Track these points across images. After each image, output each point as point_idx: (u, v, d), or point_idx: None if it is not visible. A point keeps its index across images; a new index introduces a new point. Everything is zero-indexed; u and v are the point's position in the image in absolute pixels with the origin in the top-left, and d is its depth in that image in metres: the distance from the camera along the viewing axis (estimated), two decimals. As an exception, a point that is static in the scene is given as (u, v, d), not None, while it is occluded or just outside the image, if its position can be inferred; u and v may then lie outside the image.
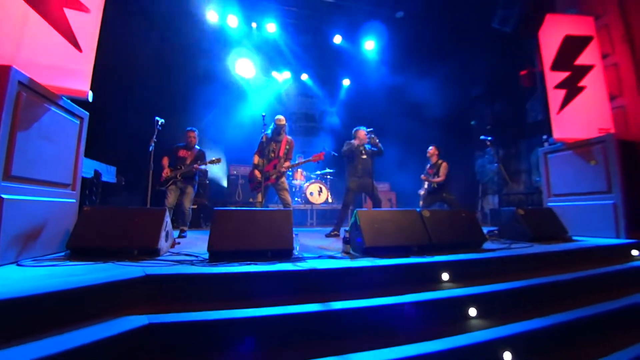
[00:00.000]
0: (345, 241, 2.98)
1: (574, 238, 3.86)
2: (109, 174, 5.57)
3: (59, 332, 1.49)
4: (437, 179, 5.38)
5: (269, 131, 4.40)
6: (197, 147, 4.70)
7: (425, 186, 5.59)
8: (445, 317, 2.15)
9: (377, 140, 4.57)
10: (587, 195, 4.14)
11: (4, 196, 2.11)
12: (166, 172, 4.40)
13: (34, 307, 1.48)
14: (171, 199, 4.29)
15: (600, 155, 4.00)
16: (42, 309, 1.51)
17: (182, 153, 4.57)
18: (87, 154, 3.21)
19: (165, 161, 4.51)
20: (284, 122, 4.49)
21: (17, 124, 2.22)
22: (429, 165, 5.69)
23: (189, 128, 4.67)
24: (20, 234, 2.29)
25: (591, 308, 2.42)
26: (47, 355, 1.30)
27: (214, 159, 4.53)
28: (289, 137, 4.60)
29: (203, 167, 4.51)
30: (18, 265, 2.17)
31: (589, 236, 3.98)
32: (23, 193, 2.31)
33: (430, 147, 5.71)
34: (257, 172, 4.36)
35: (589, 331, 2.29)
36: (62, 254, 2.66)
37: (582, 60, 4.43)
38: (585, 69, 4.41)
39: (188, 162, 4.52)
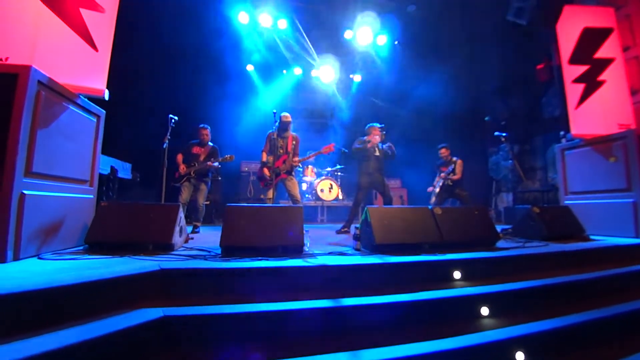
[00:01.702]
0: (356, 238, 2.98)
1: (592, 237, 3.76)
2: (124, 170, 5.70)
3: (78, 323, 1.54)
4: (454, 177, 5.46)
5: (274, 128, 4.42)
6: (210, 143, 4.76)
7: (441, 184, 5.58)
8: (456, 316, 2.13)
9: (390, 143, 4.60)
10: (606, 193, 4.02)
11: (25, 192, 2.19)
12: (182, 169, 4.47)
13: (54, 298, 1.54)
14: (185, 195, 4.36)
15: (620, 152, 3.88)
16: (63, 300, 1.57)
17: (195, 150, 4.63)
18: (104, 151, 3.29)
19: (180, 158, 4.58)
20: (290, 119, 4.53)
21: (37, 122, 2.29)
22: (441, 164, 5.73)
23: (201, 125, 4.72)
24: (41, 229, 2.38)
25: (608, 309, 2.36)
26: (67, 345, 1.35)
27: (227, 156, 4.58)
28: (294, 134, 4.64)
29: (216, 164, 4.56)
30: (39, 258, 2.26)
31: (607, 235, 3.87)
32: (43, 189, 2.39)
33: (442, 149, 5.79)
34: (266, 170, 4.39)
35: (605, 333, 2.24)
36: (81, 248, 2.75)
37: (601, 53, 4.28)
38: (605, 63, 4.25)
39: (202, 158, 4.58)
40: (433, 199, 5.65)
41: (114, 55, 3.09)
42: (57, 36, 2.67)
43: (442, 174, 5.58)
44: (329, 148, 4.64)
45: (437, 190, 5.61)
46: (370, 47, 8.43)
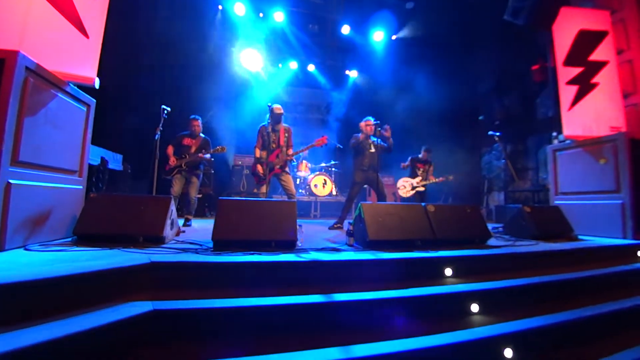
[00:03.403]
0: (349, 234, 2.99)
1: (580, 237, 3.82)
2: (115, 161, 5.60)
3: (66, 316, 1.51)
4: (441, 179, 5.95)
5: (266, 122, 4.36)
6: (201, 134, 4.68)
7: (418, 182, 5.92)
8: (447, 312, 2.15)
9: (389, 134, 4.61)
10: (595, 195, 4.08)
11: (11, 181, 2.14)
12: (172, 161, 4.40)
13: (41, 291, 1.51)
14: (177, 187, 4.30)
15: (611, 154, 3.93)
16: (49, 293, 1.53)
17: (186, 141, 4.55)
18: (94, 142, 3.22)
19: (170, 150, 4.51)
20: (282, 110, 4.44)
21: (24, 110, 2.22)
22: (419, 160, 6.07)
23: (192, 116, 4.62)
24: (28, 219, 2.32)
25: (595, 308, 2.41)
26: (54, 338, 1.32)
27: (218, 148, 4.52)
28: (286, 125, 4.56)
29: (208, 156, 4.51)
30: (26, 249, 2.21)
31: (595, 236, 3.93)
32: (30, 178, 2.33)
33: (430, 151, 6.10)
34: (259, 167, 4.34)
35: (592, 331, 2.28)
36: (69, 239, 2.69)
37: (596, 55, 4.31)
38: (599, 65, 4.30)
39: (193, 150, 4.51)
40: (411, 193, 5.83)
41: (105, 44, 3.01)
42: (47, 21, 2.58)
43: (441, 178, 5.93)
44: (321, 141, 4.60)
45: (422, 189, 5.81)
46: (367, 43, 8.41)
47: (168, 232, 2.75)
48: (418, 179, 5.95)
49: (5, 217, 2.11)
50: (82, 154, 3.00)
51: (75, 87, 2.84)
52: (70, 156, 2.86)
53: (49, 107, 2.49)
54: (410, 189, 5.94)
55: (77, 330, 1.40)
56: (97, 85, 2.93)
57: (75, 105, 2.85)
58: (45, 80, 2.44)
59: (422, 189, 5.89)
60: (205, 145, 4.61)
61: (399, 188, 6.07)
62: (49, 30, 2.59)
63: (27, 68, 2.24)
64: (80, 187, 3.00)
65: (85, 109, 3.01)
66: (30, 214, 2.35)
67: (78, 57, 2.78)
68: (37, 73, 2.35)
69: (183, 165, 4.40)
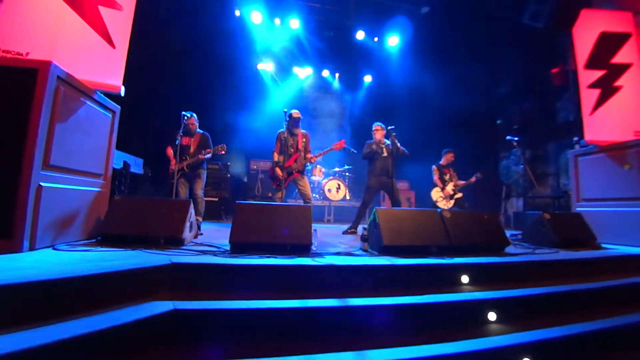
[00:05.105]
0: (364, 239, 2.99)
1: (603, 245, 3.70)
2: (136, 165, 5.78)
3: (92, 313, 1.58)
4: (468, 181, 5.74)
5: (284, 128, 4.41)
6: (199, 130, 4.45)
7: (452, 188, 5.69)
8: (463, 320, 2.13)
9: (397, 141, 4.55)
10: (619, 201, 3.94)
11: (42, 184, 2.25)
12: (173, 165, 4.17)
13: (69, 288, 1.59)
14: (182, 193, 4.23)
15: (635, 160, 3.80)
16: (77, 291, 1.61)
17: (184, 141, 4.31)
18: (117, 146, 3.34)
19: (170, 151, 4.32)
20: (300, 115, 4.46)
21: (55, 117, 2.35)
22: (445, 166, 5.84)
23: (188, 114, 4.26)
24: (56, 220, 2.44)
25: (617, 319, 2.32)
26: (80, 334, 1.39)
27: (218, 147, 4.33)
28: (303, 131, 4.57)
29: (208, 156, 4.31)
30: (54, 249, 2.32)
31: (619, 244, 3.79)
32: (60, 182, 2.46)
33: (454, 153, 5.88)
34: (278, 170, 4.38)
35: (613, 343, 2.20)
36: (94, 240, 2.81)
37: (619, 58, 4.20)
38: (622, 68, 4.17)
39: (192, 150, 4.34)
40: (452, 203, 5.65)
41: (129, 52, 3.15)
42: (76, 33, 2.74)
43: (473, 178, 5.77)
44: (339, 144, 4.59)
45: (460, 195, 5.66)
46: (381, 48, 8.43)
47: (187, 234, 2.83)
48: (450, 185, 5.68)
49: (36, 217, 2.22)
50: (107, 159, 3.14)
51: (102, 95, 2.98)
52: (97, 160, 2.99)
53: (78, 114, 2.62)
54: (449, 199, 5.68)
55: (101, 328, 1.46)
56: (122, 93, 3.06)
57: (101, 112, 2.99)
58: (74, 89, 2.58)
59: (459, 195, 5.68)
60: (205, 142, 4.39)
61: (436, 201, 5.72)
62: (78, 41, 2.75)
63: (58, 77, 2.37)
64: (105, 190, 3.13)
65: (110, 115, 3.15)
66: (59, 215, 2.47)
67: (105, 67, 2.93)
68: (68, 82, 2.48)
69: (185, 168, 4.25)
